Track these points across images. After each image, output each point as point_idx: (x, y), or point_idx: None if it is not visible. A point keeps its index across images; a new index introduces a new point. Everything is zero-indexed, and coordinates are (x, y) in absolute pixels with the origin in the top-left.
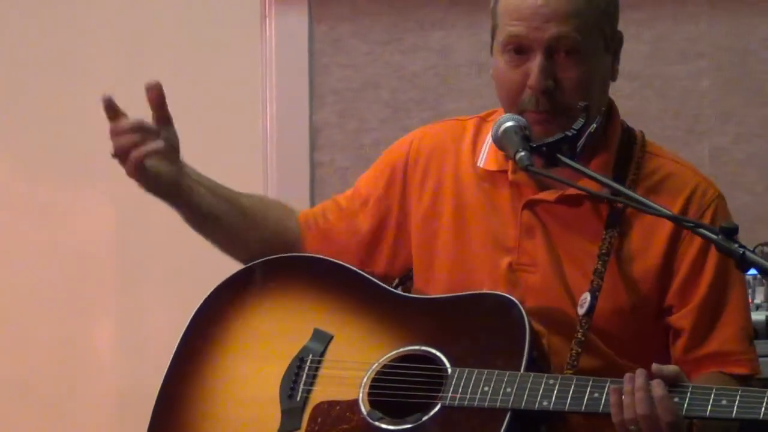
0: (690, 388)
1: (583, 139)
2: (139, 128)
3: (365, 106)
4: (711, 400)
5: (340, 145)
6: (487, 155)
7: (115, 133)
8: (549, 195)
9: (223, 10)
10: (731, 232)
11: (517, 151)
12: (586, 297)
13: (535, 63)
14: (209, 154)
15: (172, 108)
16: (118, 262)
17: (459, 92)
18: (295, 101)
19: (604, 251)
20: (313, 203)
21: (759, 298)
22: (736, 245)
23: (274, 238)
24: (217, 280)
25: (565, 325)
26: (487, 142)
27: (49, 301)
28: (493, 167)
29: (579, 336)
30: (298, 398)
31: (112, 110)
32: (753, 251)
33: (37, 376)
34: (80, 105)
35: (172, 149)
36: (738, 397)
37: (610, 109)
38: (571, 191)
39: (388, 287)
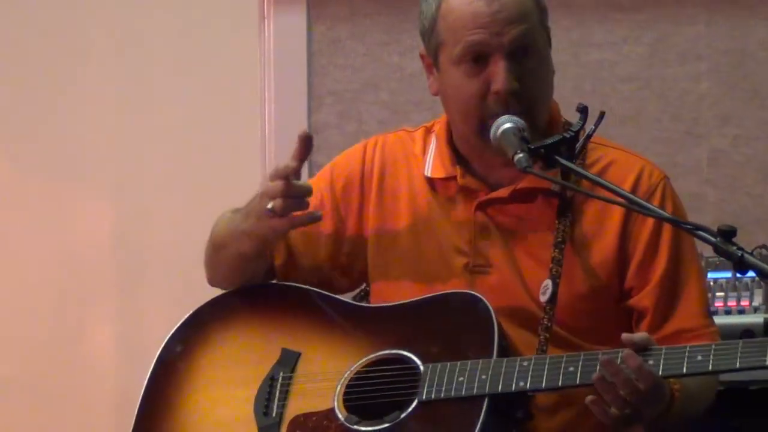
0: (663, 350)
1: (581, 141)
2: (298, 195)
3: (364, 107)
4: (686, 357)
5: (339, 146)
6: (432, 164)
7: (286, 194)
8: (502, 192)
9: (222, 10)
10: (729, 235)
11: (516, 153)
12: (548, 284)
13: (500, 66)
14: (208, 155)
15: (172, 109)
16: (117, 264)
17: None
18: (294, 102)
19: (559, 239)
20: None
21: (757, 301)
22: (735, 247)
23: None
24: None
25: (528, 319)
26: (431, 152)
27: (49, 301)
28: (440, 174)
29: (545, 322)
30: (274, 414)
31: (305, 149)
32: (751, 254)
33: (37, 375)
34: (81, 107)
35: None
36: (712, 351)
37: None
38: (523, 185)
39: (349, 301)
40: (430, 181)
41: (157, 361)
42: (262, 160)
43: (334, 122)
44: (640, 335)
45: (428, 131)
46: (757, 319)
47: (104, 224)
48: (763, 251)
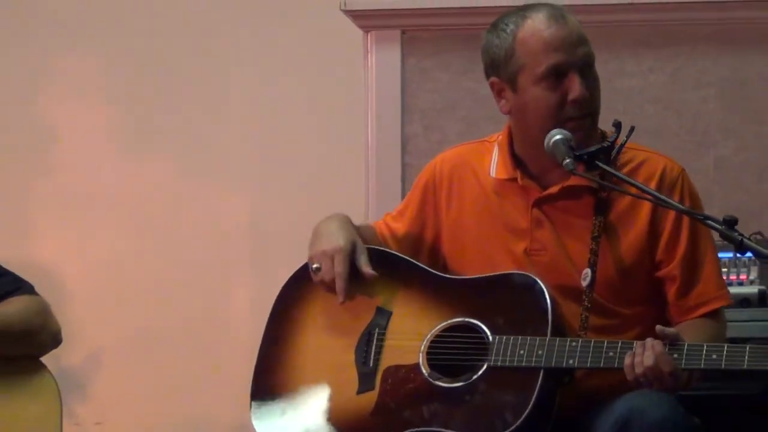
0: (686, 346)
1: (616, 149)
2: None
3: (445, 122)
4: (704, 355)
5: (425, 152)
6: (497, 167)
7: (330, 279)
8: (553, 190)
9: (336, 48)
10: (732, 224)
11: (564, 159)
12: (587, 272)
13: (575, 80)
14: (323, 158)
15: (296, 123)
16: (252, 241)
17: None
18: (390, 118)
19: (595, 234)
20: (403, 196)
21: (753, 275)
22: (736, 233)
23: None
24: None
25: (573, 292)
26: (494, 158)
27: (198, 271)
28: (503, 176)
29: (586, 303)
30: (371, 364)
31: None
32: (749, 238)
33: (186, 329)
34: (227, 123)
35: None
36: (725, 351)
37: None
38: (570, 183)
39: (433, 271)
40: (494, 181)
41: (274, 307)
42: (366, 162)
43: (421, 133)
44: (670, 330)
45: (487, 142)
46: (753, 289)
47: (242, 211)
48: (758, 237)
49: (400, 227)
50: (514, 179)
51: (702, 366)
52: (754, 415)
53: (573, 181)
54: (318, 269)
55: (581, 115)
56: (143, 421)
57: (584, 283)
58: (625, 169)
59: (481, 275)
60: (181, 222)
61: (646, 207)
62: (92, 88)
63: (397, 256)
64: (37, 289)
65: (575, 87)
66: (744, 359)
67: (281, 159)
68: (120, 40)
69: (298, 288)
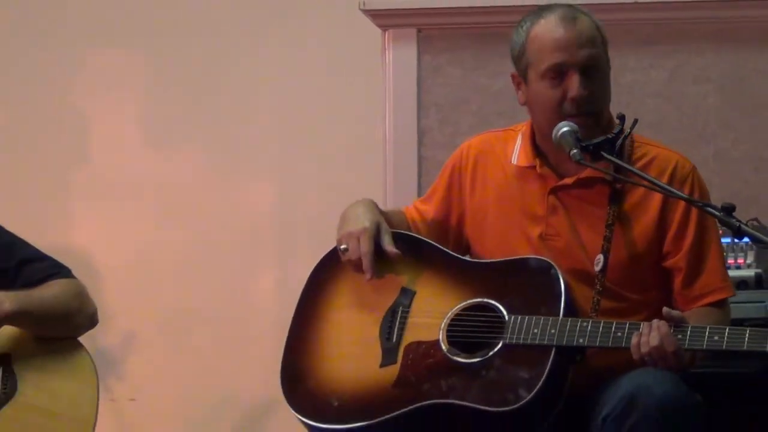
0: (689, 327)
1: (620, 140)
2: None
3: (458, 116)
4: (706, 337)
5: (440, 144)
6: (519, 155)
7: (357, 257)
8: (568, 180)
9: (355, 46)
10: (730, 210)
11: (571, 149)
12: (600, 258)
13: (574, 79)
14: (344, 152)
15: (318, 117)
16: (277, 226)
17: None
18: (407, 112)
19: (609, 222)
20: (419, 186)
21: (750, 259)
22: (734, 220)
23: None
24: None
25: (585, 276)
26: (517, 146)
27: (228, 254)
28: (524, 163)
29: (598, 287)
30: (394, 339)
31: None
32: (746, 224)
33: (216, 309)
34: (254, 117)
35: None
36: (726, 334)
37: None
38: (585, 174)
39: (454, 254)
40: (515, 168)
41: (305, 287)
42: (384, 154)
43: (436, 126)
44: (676, 312)
45: (512, 131)
46: (750, 273)
47: (267, 200)
48: (755, 223)
49: (429, 210)
50: (533, 167)
51: (704, 347)
52: (751, 391)
53: (587, 173)
54: (345, 249)
55: (579, 113)
56: (174, 396)
57: (597, 268)
58: (639, 164)
59: (499, 259)
60: (210, 210)
61: (656, 200)
62: (125, 82)
63: (422, 240)
64: (74, 272)
65: (573, 86)
66: (744, 341)
67: (304, 151)
68: (151, 37)
69: (328, 269)
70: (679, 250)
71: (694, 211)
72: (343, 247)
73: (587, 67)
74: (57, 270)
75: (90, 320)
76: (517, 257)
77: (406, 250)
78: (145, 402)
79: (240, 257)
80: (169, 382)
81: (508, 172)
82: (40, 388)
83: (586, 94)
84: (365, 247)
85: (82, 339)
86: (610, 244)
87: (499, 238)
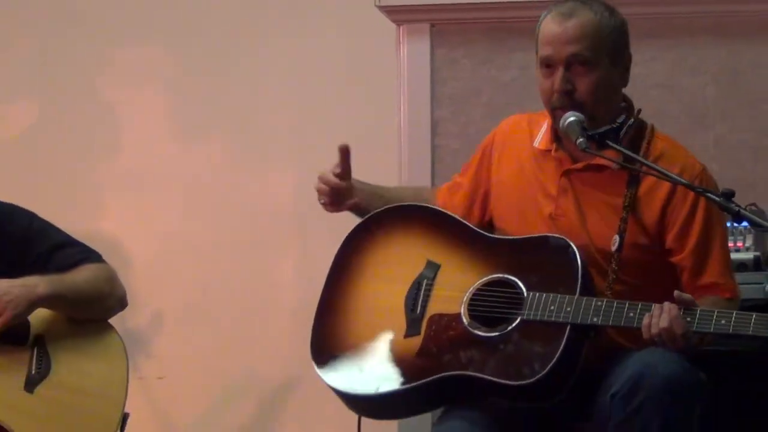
0: (698, 311)
1: (624, 129)
2: (335, 188)
3: (470, 107)
4: (714, 320)
5: (453, 134)
6: (541, 138)
7: (330, 193)
8: (579, 165)
9: (371, 40)
10: (730, 196)
11: (578, 138)
12: (616, 238)
13: (558, 73)
14: (362, 142)
15: (335, 108)
16: (296, 215)
17: (536, 96)
18: (421, 103)
19: (627, 204)
20: (433, 175)
21: (748, 242)
22: (733, 204)
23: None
24: None
25: (588, 257)
26: (543, 129)
27: (247, 243)
28: (543, 146)
29: (613, 266)
30: (418, 311)
31: (345, 159)
32: (745, 209)
33: (239, 296)
34: (273, 108)
35: (347, 192)
36: (733, 318)
37: (629, 106)
38: (596, 161)
39: (478, 229)
40: (536, 150)
41: (334, 260)
42: (398, 144)
43: (449, 117)
44: (687, 296)
45: (544, 116)
46: (749, 255)
47: (287, 189)
48: (753, 208)
49: (465, 182)
50: (550, 150)
51: (712, 330)
52: (756, 369)
53: (598, 160)
54: (321, 199)
55: (561, 105)
56: (200, 375)
57: (613, 248)
58: (653, 155)
59: (520, 236)
60: (232, 198)
61: (663, 191)
62: (151, 76)
63: (448, 214)
64: (104, 257)
65: (556, 81)
66: (750, 326)
67: (322, 142)
68: (176, 34)
69: (354, 245)
70: (683, 248)
71: (700, 212)
72: (321, 201)
73: (571, 64)
74: (88, 255)
75: (120, 303)
76: (537, 235)
77: (432, 224)
78: (172, 380)
79: (261, 243)
80: (195, 361)
81: (530, 153)
82: (72, 367)
83: (568, 89)
84: (321, 178)
85: (112, 321)
86: (626, 224)
87: (518, 215)
